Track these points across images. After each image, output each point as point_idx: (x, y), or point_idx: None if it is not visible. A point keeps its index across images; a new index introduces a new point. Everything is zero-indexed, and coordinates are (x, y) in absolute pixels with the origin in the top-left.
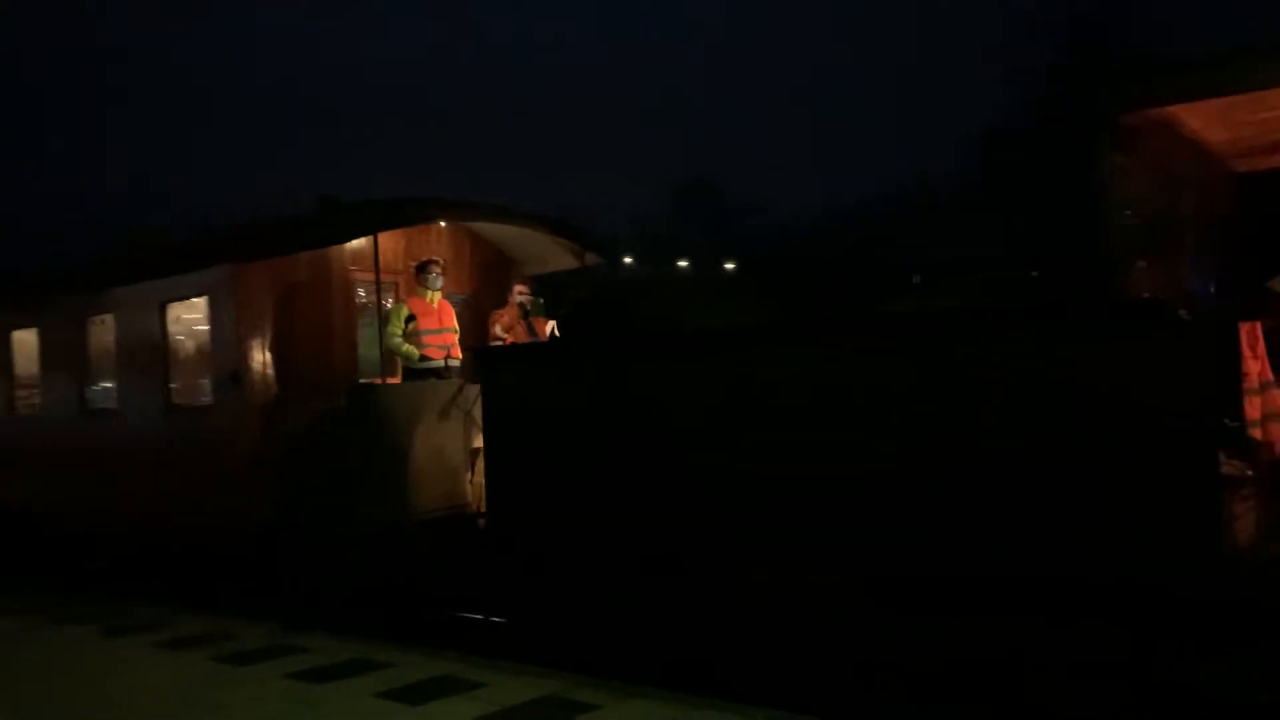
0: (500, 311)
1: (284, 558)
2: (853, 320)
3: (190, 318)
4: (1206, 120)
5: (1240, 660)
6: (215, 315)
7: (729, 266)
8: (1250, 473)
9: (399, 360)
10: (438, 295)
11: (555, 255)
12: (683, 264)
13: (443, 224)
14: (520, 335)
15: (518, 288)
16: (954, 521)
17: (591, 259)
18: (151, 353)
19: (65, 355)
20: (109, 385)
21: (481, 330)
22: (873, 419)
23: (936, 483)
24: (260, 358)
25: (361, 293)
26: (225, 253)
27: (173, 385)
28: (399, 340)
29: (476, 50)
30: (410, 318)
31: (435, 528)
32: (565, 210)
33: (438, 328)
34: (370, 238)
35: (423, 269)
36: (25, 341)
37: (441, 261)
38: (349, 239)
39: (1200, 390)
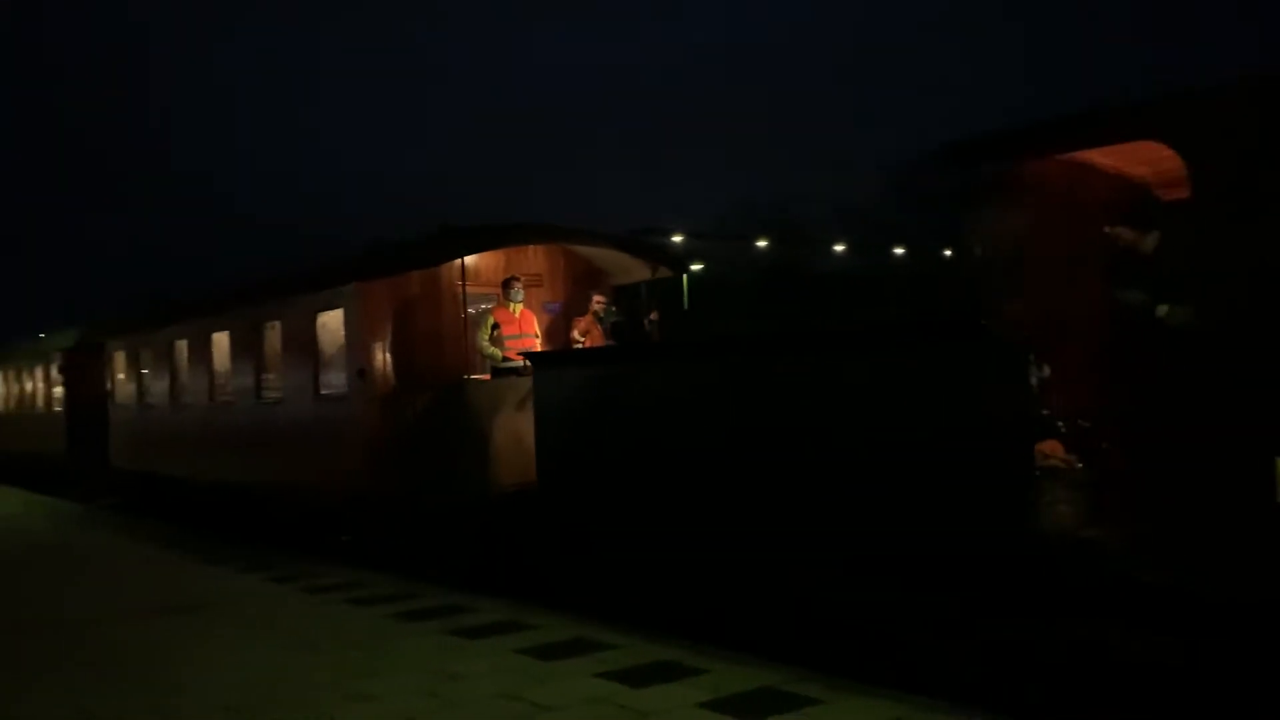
0: (579, 318)
1: (401, 523)
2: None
3: (333, 324)
4: (1121, 159)
5: (1050, 620)
6: (348, 323)
7: (947, 254)
8: (1080, 465)
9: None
10: (519, 306)
11: (635, 268)
12: (899, 251)
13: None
14: (596, 338)
15: (596, 297)
16: (823, 506)
17: (663, 272)
18: (305, 352)
19: (247, 353)
20: (277, 377)
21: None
22: (782, 417)
23: (813, 473)
24: (381, 357)
25: (477, 303)
26: (355, 272)
27: (321, 378)
28: (486, 344)
29: (689, 53)
30: (495, 325)
31: (513, 498)
32: (777, 199)
33: (518, 334)
34: (473, 256)
35: (506, 285)
36: (220, 341)
37: (522, 279)
38: (439, 262)
39: (1008, 397)
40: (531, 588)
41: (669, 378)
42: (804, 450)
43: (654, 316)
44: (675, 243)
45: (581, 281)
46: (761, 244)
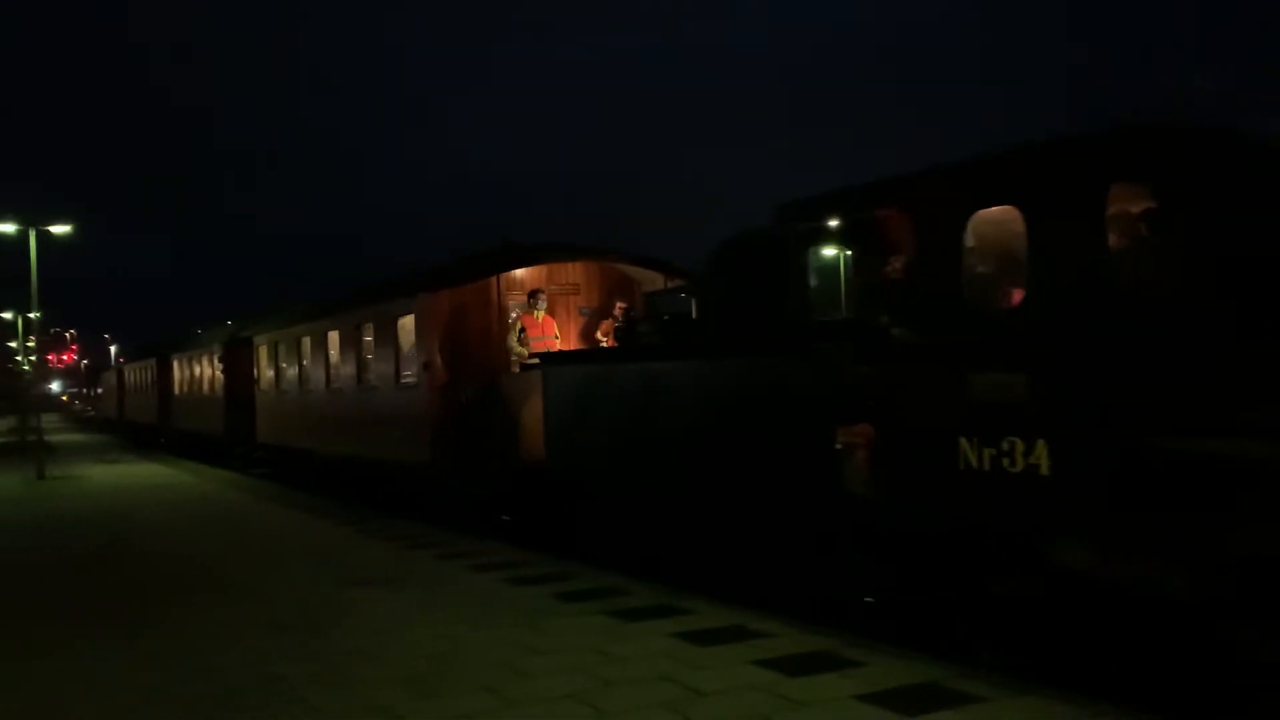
0: (605, 321)
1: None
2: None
3: (409, 326)
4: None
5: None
6: (417, 326)
7: None
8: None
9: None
10: (542, 313)
11: (655, 279)
12: None
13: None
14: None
15: (619, 304)
16: (710, 469)
17: (675, 282)
18: (389, 349)
19: (351, 348)
20: (372, 369)
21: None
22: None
23: (703, 441)
24: (440, 353)
25: (514, 309)
26: (422, 284)
27: (400, 370)
28: (515, 344)
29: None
30: (522, 329)
31: (534, 473)
32: None
33: (540, 336)
34: (521, 270)
35: (531, 295)
36: (333, 338)
37: (545, 291)
38: (486, 276)
39: (824, 389)
40: (533, 537)
41: (621, 376)
42: (698, 423)
43: (617, 313)
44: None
45: (614, 290)
46: None
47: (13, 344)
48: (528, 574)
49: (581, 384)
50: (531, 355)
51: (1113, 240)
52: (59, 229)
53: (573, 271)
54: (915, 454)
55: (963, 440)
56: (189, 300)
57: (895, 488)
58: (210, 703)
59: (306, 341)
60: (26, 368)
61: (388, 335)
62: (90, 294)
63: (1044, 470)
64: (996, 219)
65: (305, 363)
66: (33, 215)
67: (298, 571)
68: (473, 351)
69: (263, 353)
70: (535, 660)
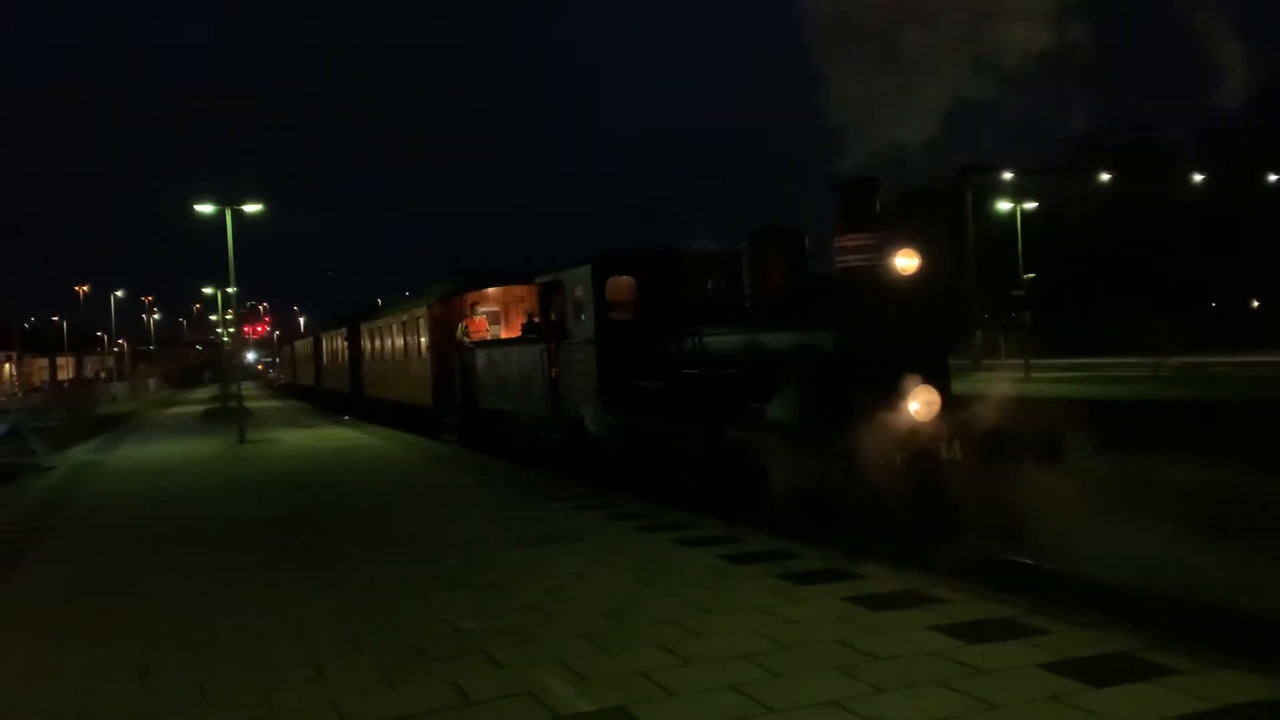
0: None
1: (454, 421)
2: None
3: (422, 322)
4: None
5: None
6: (428, 324)
7: None
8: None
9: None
10: (479, 317)
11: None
12: (1273, 178)
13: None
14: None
15: (530, 311)
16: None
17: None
18: (413, 336)
19: (398, 334)
20: (397, 348)
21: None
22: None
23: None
24: (438, 340)
25: (481, 314)
26: (427, 298)
27: (425, 347)
28: (459, 335)
29: None
30: (464, 326)
31: (485, 415)
32: (1125, 125)
33: (477, 330)
34: (498, 288)
35: (472, 307)
36: (369, 330)
37: (480, 305)
38: (457, 295)
39: (587, 365)
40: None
41: (495, 353)
42: (517, 372)
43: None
44: (1003, 180)
45: (524, 300)
46: (1104, 177)
47: (213, 317)
48: (697, 535)
49: (484, 358)
50: (472, 342)
51: (573, 308)
52: (251, 208)
53: (521, 290)
54: (569, 382)
55: (579, 375)
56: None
57: (561, 394)
58: (398, 654)
59: (378, 327)
60: (226, 339)
61: (413, 327)
62: (280, 269)
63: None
64: (556, 294)
65: (379, 342)
66: (230, 196)
67: (475, 530)
68: (453, 338)
69: (365, 333)
70: (708, 620)
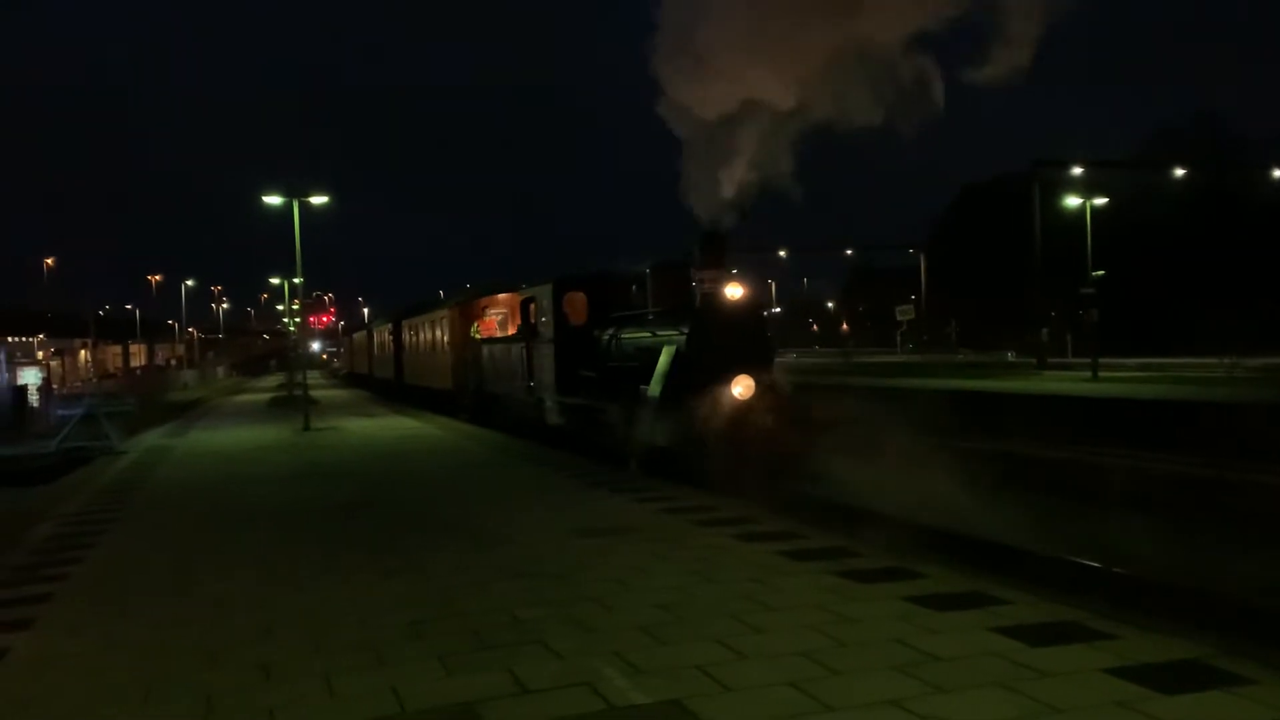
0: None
1: (466, 402)
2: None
3: (446, 319)
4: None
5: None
6: (449, 323)
7: None
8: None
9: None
10: (490, 319)
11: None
12: None
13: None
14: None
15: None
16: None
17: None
18: (439, 333)
19: (429, 330)
20: (427, 342)
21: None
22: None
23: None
24: (456, 337)
25: (491, 315)
26: (448, 302)
27: (446, 343)
28: (472, 332)
29: None
30: (476, 326)
31: (489, 396)
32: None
33: (488, 330)
34: (506, 294)
35: (482, 310)
36: (408, 326)
37: (490, 309)
38: (472, 300)
39: (549, 359)
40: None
41: (495, 348)
42: (505, 364)
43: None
44: (1072, 175)
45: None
46: (1181, 172)
47: (279, 307)
48: (755, 531)
49: (487, 352)
50: (480, 339)
51: (540, 316)
52: (317, 200)
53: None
54: (538, 372)
55: (544, 366)
56: (422, 266)
57: (534, 380)
58: (458, 641)
59: (415, 324)
60: (292, 329)
61: (440, 325)
62: (346, 260)
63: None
64: (531, 304)
65: (415, 337)
66: (298, 187)
67: (533, 520)
68: (468, 336)
69: (406, 329)
70: (766, 616)
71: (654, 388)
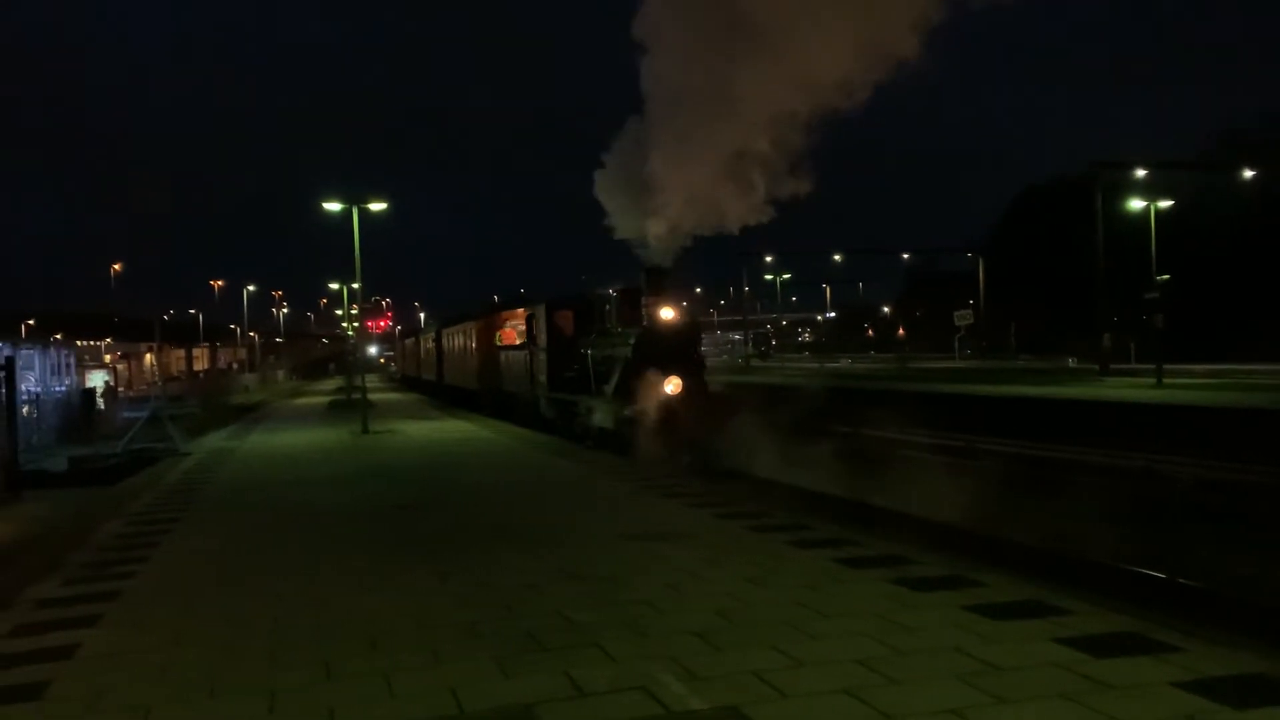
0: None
1: (487, 399)
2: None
3: (472, 331)
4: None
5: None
6: (478, 333)
7: None
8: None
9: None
10: (509, 330)
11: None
12: None
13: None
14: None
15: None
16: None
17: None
18: (469, 341)
19: (462, 338)
20: (459, 349)
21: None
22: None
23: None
24: (481, 344)
25: (509, 326)
26: (474, 316)
27: (474, 349)
28: (495, 340)
29: None
30: (499, 336)
31: (506, 395)
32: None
33: (506, 339)
34: (522, 308)
35: (502, 321)
36: (447, 335)
37: (510, 321)
38: (493, 314)
39: (542, 363)
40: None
41: (512, 355)
42: (520, 367)
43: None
44: (1135, 176)
45: (563, 309)
46: (1249, 174)
47: (338, 311)
48: (810, 537)
49: (504, 357)
50: (500, 347)
51: (538, 329)
52: (376, 206)
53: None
54: (536, 373)
55: (540, 369)
56: (479, 271)
57: (534, 380)
58: (514, 644)
59: (452, 333)
60: (351, 333)
61: (467, 334)
62: (404, 265)
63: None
64: (532, 319)
65: (452, 344)
66: (357, 193)
67: (588, 523)
68: (491, 343)
69: (445, 337)
70: (822, 623)
71: (610, 385)
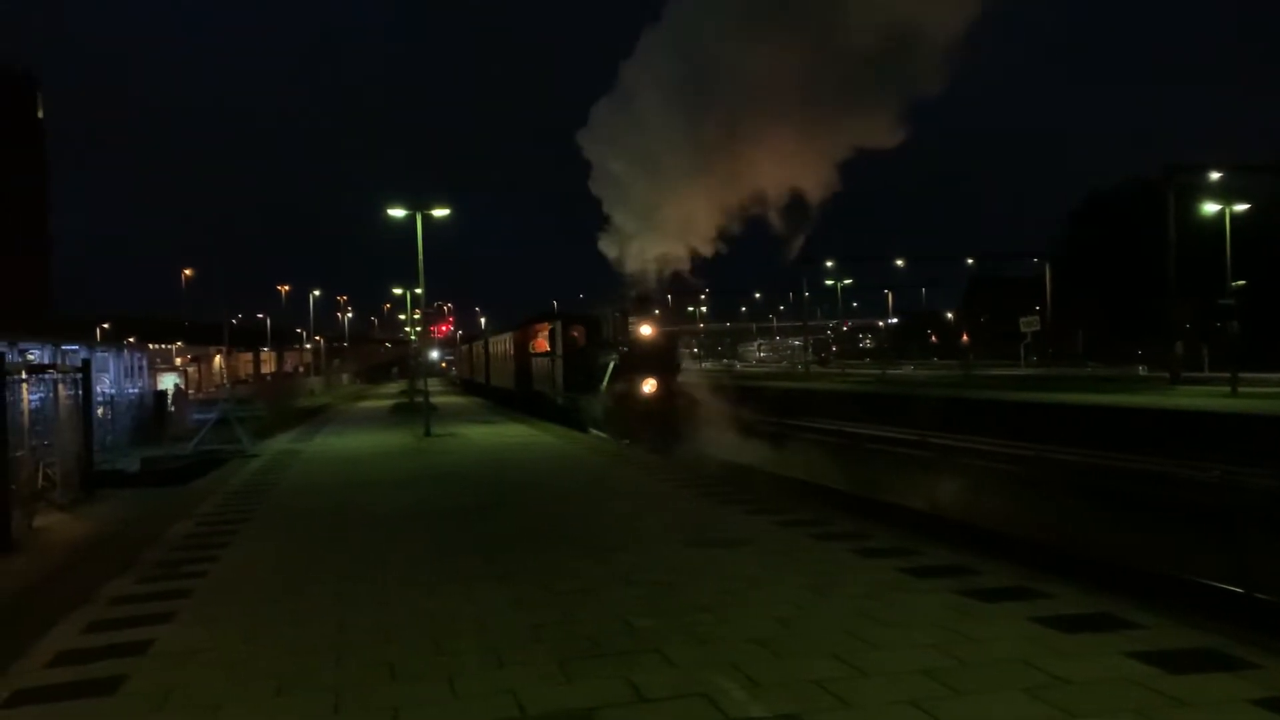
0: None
1: (537, 403)
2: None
3: (511, 341)
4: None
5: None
6: (515, 342)
7: None
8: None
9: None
10: (541, 339)
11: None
12: None
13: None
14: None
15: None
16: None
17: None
18: (510, 347)
19: (504, 346)
20: (500, 354)
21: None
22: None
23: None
24: (517, 351)
25: (540, 336)
26: (511, 329)
27: (512, 356)
28: (529, 348)
29: None
30: (532, 345)
31: (536, 394)
32: None
33: (539, 346)
34: (549, 321)
35: (536, 332)
36: (492, 343)
37: (541, 331)
38: (524, 326)
39: (559, 369)
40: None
41: (538, 359)
42: (546, 368)
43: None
44: (1206, 179)
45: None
46: None
47: (401, 316)
48: (873, 546)
49: (534, 362)
50: (532, 353)
51: (555, 340)
52: (439, 212)
53: (582, 318)
54: (555, 376)
55: (558, 373)
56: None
57: (554, 382)
58: (575, 647)
59: (496, 341)
60: (413, 337)
61: (508, 343)
62: (466, 271)
63: (559, 375)
64: (553, 331)
65: (495, 350)
66: (421, 201)
67: (648, 529)
68: (525, 350)
69: (491, 344)
70: (884, 633)
71: (603, 385)
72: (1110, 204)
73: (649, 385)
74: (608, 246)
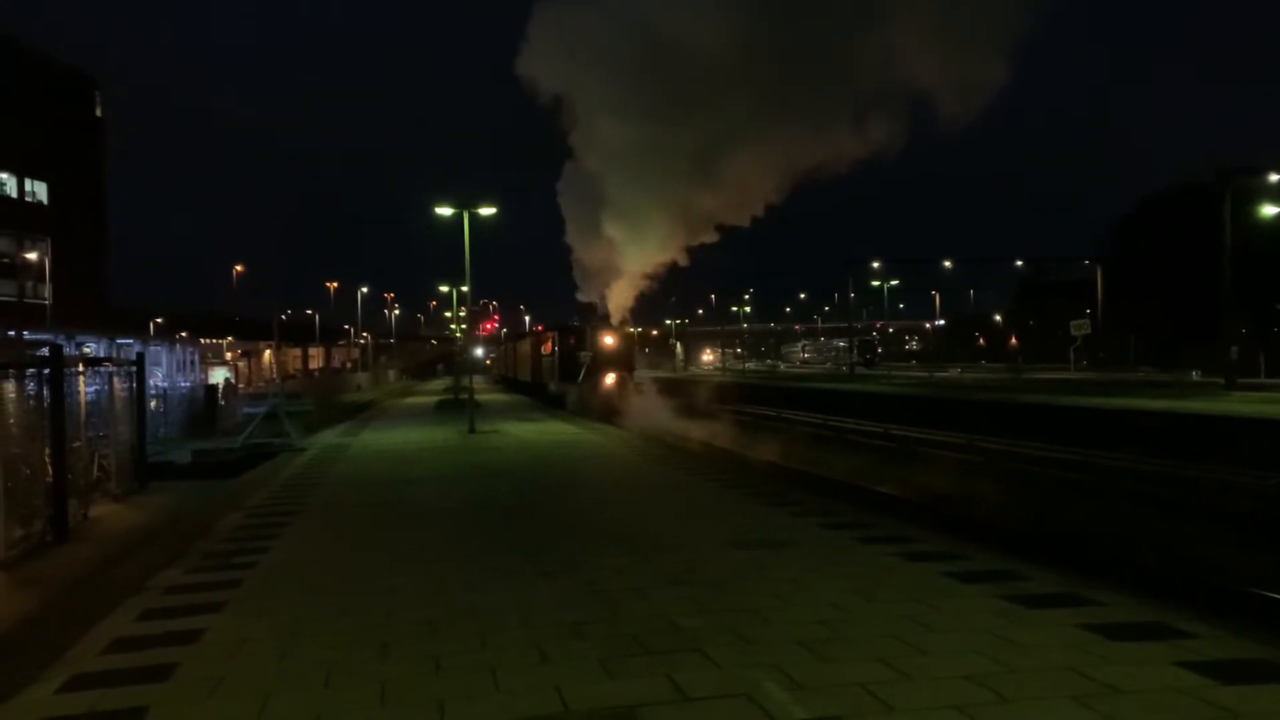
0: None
1: (544, 392)
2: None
3: (529, 344)
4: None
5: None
6: (533, 345)
7: None
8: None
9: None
10: (548, 341)
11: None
12: None
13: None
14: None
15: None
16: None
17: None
18: (528, 349)
19: (523, 349)
20: (522, 355)
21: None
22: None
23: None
24: (533, 351)
25: (549, 342)
26: (525, 335)
27: (529, 356)
28: (541, 350)
29: None
30: (544, 347)
31: (543, 386)
32: None
33: (546, 348)
34: (555, 329)
35: (545, 339)
36: (517, 345)
37: (551, 334)
38: (532, 334)
39: (558, 366)
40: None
41: (545, 359)
42: (554, 362)
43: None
44: (1264, 182)
45: (569, 334)
46: None
47: (447, 314)
48: (919, 550)
49: (544, 360)
50: (544, 354)
51: (555, 344)
52: (485, 210)
53: (573, 329)
54: (556, 372)
55: (558, 369)
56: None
57: (554, 377)
58: (618, 644)
59: (520, 344)
60: (459, 334)
61: (527, 346)
62: (512, 269)
63: (556, 369)
64: (556, 338)
65: (519, 351)
66: (467, 199)
67: (691, 528)
68: (540, 351)
69: (518, 346)
70: (930, 637)
71: (580, 378)
72: (1164, 207)
73: (610, 379)
74: (583, 290)
